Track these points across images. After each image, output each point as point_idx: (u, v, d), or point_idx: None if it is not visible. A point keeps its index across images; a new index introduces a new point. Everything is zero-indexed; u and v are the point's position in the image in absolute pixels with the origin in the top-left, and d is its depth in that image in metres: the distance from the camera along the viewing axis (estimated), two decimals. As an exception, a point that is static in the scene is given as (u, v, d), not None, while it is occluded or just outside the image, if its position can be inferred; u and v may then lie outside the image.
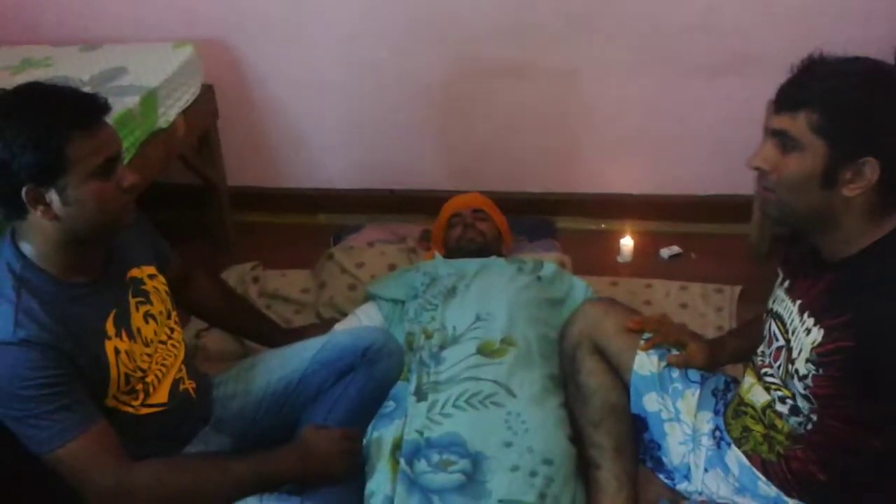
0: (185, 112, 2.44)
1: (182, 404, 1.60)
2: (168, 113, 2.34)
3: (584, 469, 1.66)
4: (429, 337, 1.91)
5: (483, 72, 2.70)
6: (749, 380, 1.50)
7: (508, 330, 1.89)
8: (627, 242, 2.67)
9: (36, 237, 1.38)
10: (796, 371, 1.33)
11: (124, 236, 1.53)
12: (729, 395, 1.62)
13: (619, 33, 2.59)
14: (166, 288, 1.63)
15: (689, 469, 1.56)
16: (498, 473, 1.58)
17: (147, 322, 1.53)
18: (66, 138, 1.29)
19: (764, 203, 1.35)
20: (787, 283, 1.43)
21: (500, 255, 2.33)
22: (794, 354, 1.34)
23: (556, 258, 2.44)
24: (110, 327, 1.44)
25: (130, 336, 1.48)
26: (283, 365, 1.79)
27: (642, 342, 1.66)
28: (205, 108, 2.61)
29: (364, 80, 2.78)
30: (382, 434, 1.71)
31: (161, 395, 1.54)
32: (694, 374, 1.65)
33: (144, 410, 1.51)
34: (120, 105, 2.08)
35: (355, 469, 1.64)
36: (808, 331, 1.31)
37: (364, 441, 1.72)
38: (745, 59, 2.55)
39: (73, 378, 1.35)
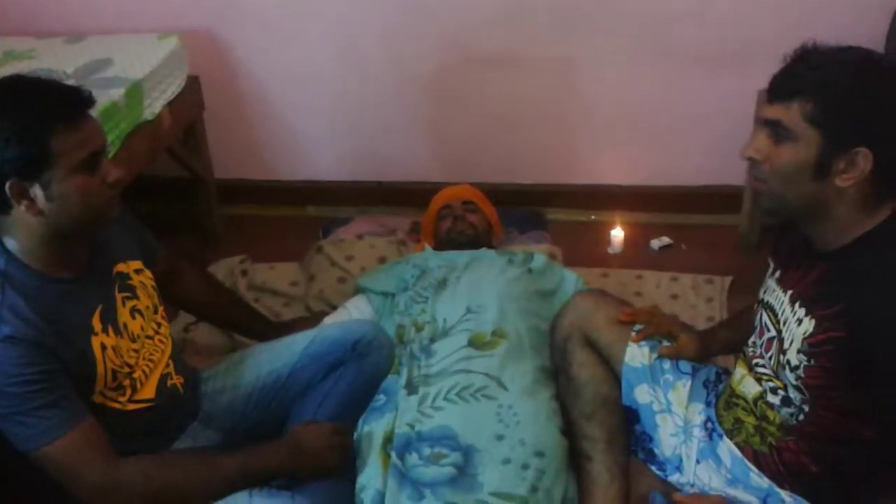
0: (171, 104, 2.42)
1: (170, 400, 1.58)
2: (153, 105, 2.32)
3: (575, 461, 1.65)
4: (419, 329, 1.90)
5: (474, 62, 2.68)
6: (740, 371, 1.50)
7: (499, 322, 1.88)
8: (618, 234, 2.67)
9: (20, 232, 1.36)
10: (788, 362, 1.33)
11: (110, 231, 1.51)
12: (720, 387, 1.62)
13: (611, 24, 2.58)
14: (153, 283, 1.62)
15: (680, 461, 1.56)
16: (489, 466, 1.58)
17: (134, 317, 1.51)
18: (50, 132, 1.28)
19: (756, 194, 1.34)
20: (777, 274, 1.43)
21: (490, 246, 2.32)
22: (786, 345, 1.34)
23: (546, 250, 2.44)
24: (97, 323, 1.42)
25: (117, 331, 1.46)
26: (272, 359, 1.78)
27: (633, 334, 1.65)
28: (191, 99, 2.58)
29: (353, 70, 2.76)
30: (373, 428, 1.70)
31: (148, 391, 1.53)
32: (685, 366, 1.65)
33: (132, 406, 1.49)
34: (105, 97, 2.06)
35: (346, 463, 1.63)
36: (800, 321, 1.31)
37: (355, 435, 1.71)
38: (737, 51, 2.55)
39: (59, 374, 1.34)
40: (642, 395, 1.62)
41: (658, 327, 1.67)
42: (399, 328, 1.98)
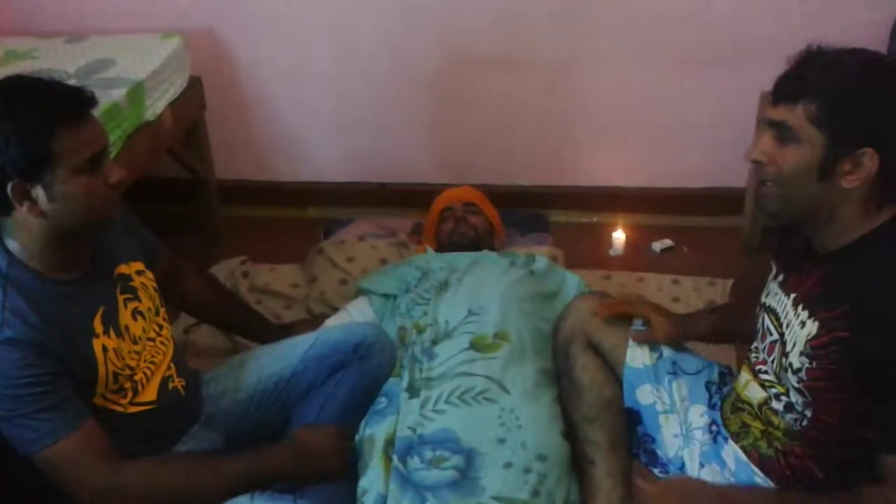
0: (173, 104, 2.42)
1: (171, 402, 1.58)
2: (155, 105, 2.31)
3: (577, 465, 1.65)
4: (421, 331, 1.90)
5: (475, 63, 2.68)
6: (745, 376, 1.49)
7: (501, 324, 1.88)
8: (619, 236, 2.67)
9: (21, 234, 1.36)
10: (790, 364, 1.33)
11: (111, 232, 1.50)
12: (724, 389, 1.61)
13: (611, 26, 2.58)
14: (154, 284, 1.61)
15: (682, 463, 1.55)
16: (491, 470, 1.58)
17: (135, 319, 1.51)
18: (52, 133, 1.27)
19: (761, 197, 1.34)
20: (780, 277, 1.42)
21: (492, 248, 2.32)
22: (788, 348, 1.34)
23: (548, 252, 2.44)
24: (98, 325, 1.41)
25: (118, 333, 1.45)
26: (273, 361, 1.77)
27: (632, 332, 1.65)
28: (192, 100, 2.58)
29: (355, 71, 2.75)
30: (375, 431, 1.70)
31: (150, 394, 1.52)
32: (688, 366, 1.64)
33: (133, 409, 1.49)
34: (106, 98, 2.05)
35: (348, 467, 1.63)
36: (803, 324, 1.31)
37: (356, 438, 1.71)
38: (738, 52, 2.54)
39: (60, 377, 1.33)
40: (645, 396, 1.62)
41: (630, 307, 1.67)
42: (401, 330, 1.97)
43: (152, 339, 1.55)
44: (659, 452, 1.61)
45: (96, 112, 1.38)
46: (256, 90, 2.83)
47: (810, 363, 1.29)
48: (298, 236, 2.78)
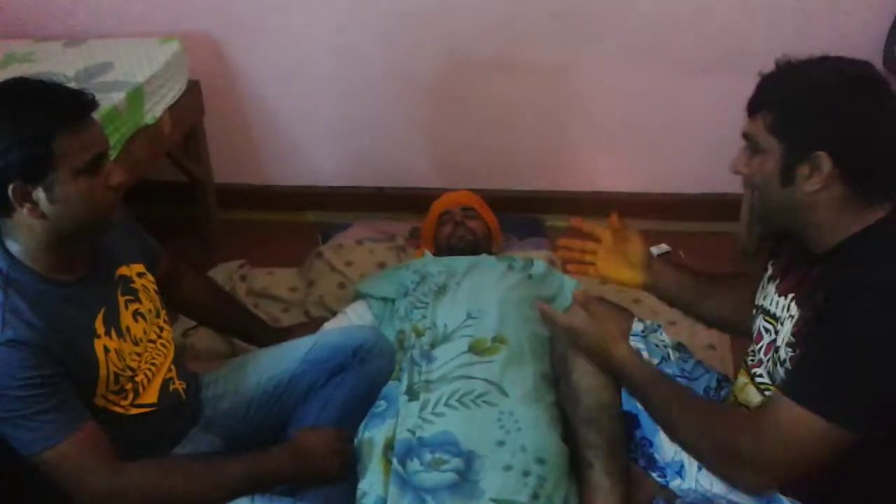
0: (172, 108, 2.42)
1: (172, 404, 1.58)
2: (154, 109, 2.31)
3: (576, 468, 1.65)
4: (420, 335, 1.90)
5: (473, 68, 2.69)
6: (742, 380, 1.50)
7: (500, 328, 1.88)
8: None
9: (22, 236, 1.36)
10: (779, 358, 1.35)
11: (112, 234, 1.51)
12: (722, 393, 1.62)
13: (610, 30, 2.59)
14: (155, 286, 1.62)
15: (681, 466, 1.55)
16: (491, 472, 1.58)
17: (136, 320, 1.51)
18: (53, 135, 1.28)
19: (752, 209, 1.40)
20: (777, 279, 1.44)
21: (490, 253, 2.33)
22: (779, 342, 1.36)
23: (545, 256, 2.44)
24: (99, 325, 1.42)
25: (119, 334, 1.46)
26: (273, 364, 1.78)
27: (633, 338, 1.65)
28: (191, 104, 2.58)
29: (353, 76, 2.76)
30: (374, 434, 1.70)
31: (151, 396, 1.53)
32: (689, 371, 1.65)
33: (134, 411, 1.49)
34: (106, 101, 2.05)
35: (347, 469, 1.63)
36: (792, 317, 1.34)
37: (355, 441, 1.71)
38: (737, 58, 2.55)
39: (61, 378, 1.33)
40: (643, 399, 1.62)
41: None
42: (399, 334, 1.97)
43: (153, 341, 1.56)
44: (657, 456, 1.61)
45: (96, 115, 1.38)
46: (255, 94, 2.84)
47: (794, 352, 1.31)
48: (296, 240, 2.78)
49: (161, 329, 1.60)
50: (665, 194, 2.85)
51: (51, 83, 1.35)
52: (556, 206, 2.88)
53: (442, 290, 2.03)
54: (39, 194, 1.30)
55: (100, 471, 1.37)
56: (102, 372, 1.41)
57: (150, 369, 1.53)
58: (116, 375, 1.44)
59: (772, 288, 1.44)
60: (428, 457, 1.60)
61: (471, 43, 2.66)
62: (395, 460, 1.61)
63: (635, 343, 1.66)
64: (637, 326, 1.73)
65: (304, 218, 3.01)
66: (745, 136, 1.34)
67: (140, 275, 1.58)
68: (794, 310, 1.34)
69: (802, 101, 1.27)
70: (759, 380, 1.44)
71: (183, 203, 2.78)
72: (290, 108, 2.86)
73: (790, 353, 1.32)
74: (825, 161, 1.24)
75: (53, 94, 1.33)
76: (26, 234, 1.35)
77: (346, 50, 2.72)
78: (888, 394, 1.19)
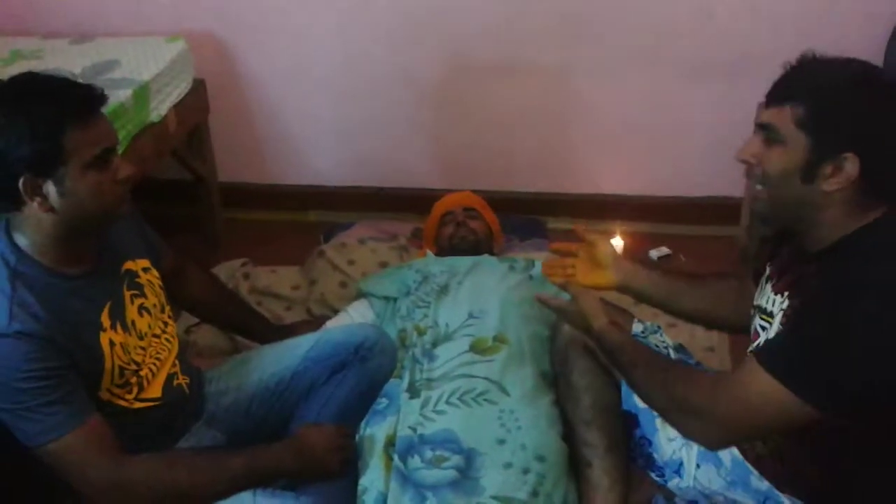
0: (177, 106, 2.44)
1: (176, 399, 1.59)
2: (160, 107, 2.33)
3: (575, 467, 1.67)
4: (421, 334, 1.92)
5: (476, 69, 2.70)
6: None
7: (501, 328, 1.90)
8: (617, 243, 2.68)
9: (30, 229, 1.37)
10: None
11: (118, 229, 1.52)
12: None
13: (611, 34, 2.60)
14: (160, 282, 1.63)
15: (679, 465, 1.57)
16: (491, 470, 1.59)
17: (141, 315, 1.52)
18: (63, 129, 1.29)
19: (752, 199, 1.38)
20: (774, 279, 1.45)
21: (491, 253, 2.34)
22: (771, 335, 1.37)
23: (546, 257, 2.45)
24: (105, 319, 1.43)
25: (125, 328, 1.47)
26: (275, 361, 1.79)
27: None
28: (196, 102, 2.60)
29: (356, 76, 2.77)
30: (375, 430, 1.71)
31: (155, 390, 1.54)
32: None
33: (138, 405, 1.50)
34: (112, 98, 2.04)
35: (349, 465, 1.64)
36: (783, 310, 1.35)
37: (356, 437, 1.72)
38: (738, 62, 2.57)
39: (67, 371, 1.35)
40: (642, 399, 1.64)
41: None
42: (401, 332, 1.99)
43: (157, 336, 1.57)
44: (655, 455, 1.62)
45: (104, 110, 1.39)
46: (259, 94, 2.85)
47: None
48: (299, 240, 2.79)
49: (166, 324, 1.61)
50: (666, 197, 2.86)
51: (60, 78, 1.37)
52: (557, 208, 2.89)
53: (444, 290, 2.04)
54: (49, 188, 1.32)
55: (104, 463, 1.37)
56: (107, 365, 1.42)
57: (154, 364, 1.54)
58: (121, 369, 1.45)
59: (769, 287, 1.45)
60: (429, 454, 1.62)
61: (473, 45, 2.67)
62: (396, 457, 1.63)
63: None
64: (637, 328, 1.74)
65: (306, 217, 3.02)
66: (764, 125, 1.30)
67: (145, 270, 1.59)
68: (787, 304, 1.35)
69: (837, 99, 1.24)
70: None
71: (187, 201, 2.79)
72: (294, 108, 2.87)
73: None
74: (853, 163, 1.23)
75: (63, 89, 1.34)
76: (35, 228, 1.37)
77: (349, 50, 2.73)
78: (861, 382, 1.20)
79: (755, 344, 1.45)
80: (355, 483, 1.64)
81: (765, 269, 1.50)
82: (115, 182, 1.38)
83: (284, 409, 1.75)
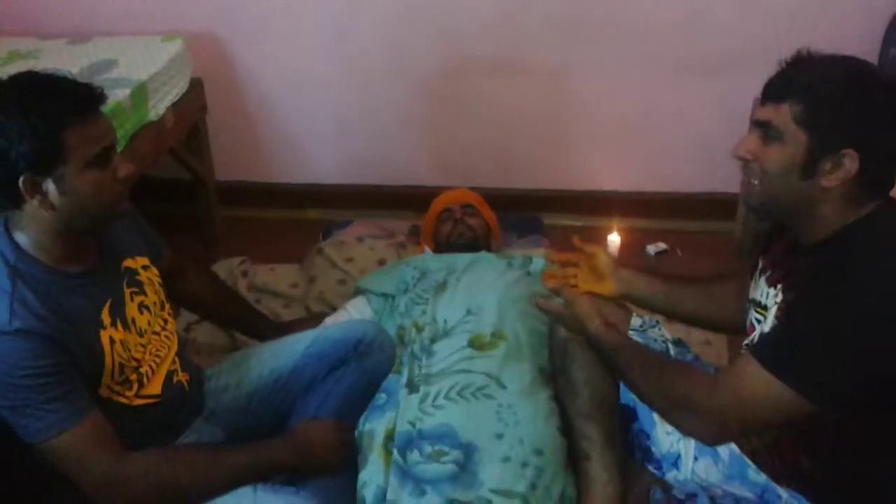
0: (175, 105, 2.44)
1: (175, 396, 1.60)
2: (158, 106, 2.34)
3: (573, 461, 1.67)
4: (420, 330, 1.92)
5: (473, 68, 2.71)
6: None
7: (499, 324, 1.90)
8: (614, 239, 2.69)
9: (30, 227, 1.38)
10: None
11: (118, 227, 1.53)
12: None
13: (608, 32, 2.61)
14: (159, 279, 1.64)
15: (677, 458, 1.57)
16: (489, 464, 1.60)
17: (141, 312, 1.53)
18: (63, 127, 1.30)
19: (746, 194, 1.39)
20: (768, 272, 1.46)
21: (489, 250, 2.35)
22: (766, 328, 1.39)
23: (544, 254, 2.45)
24: (106, 317, 1.44)
25: (125, 326, 1.48)
26: (274, 358, 1.80)
27: (631, 332, 1.68)
28: (194, 101, 2.61)
29: (354, 74, 2.78)
30: (374, 426, 1.72)
31: (155, 387, 1.54)
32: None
33: (138, 402, 1.51)
34: (110, 98, 2.04)
35: (348, 460, 1.65)
36: (777, 304, 1.37)
37: (356, 432, 1.73)
38: (733, 59, 2.58)
39: (68, 368, 1.35)
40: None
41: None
42: (400, 329, 1.99)
43: (157, 333, 1.58)
44: (653, 449, 1.63)
45: (103, 109, 1.40)
46: (256, 92, 2.86)
47: None
48: (297, 238, 2.80)
49: (165, 321, 1.62)
50: (662, 193, 2.87)
51: (60, 77, 1.37)
52: (555, 205, 2.91)
53: (442, 287, 2.05)
54: (49, 186, 1.32)
55: (104, 460, 1.38)
56: (108, 362, 1.42)
57: (154, 361, 1.55)
58: (121, 366, 1.45)
59: (763, 280, 1.46)
60: (428, 448, 1.62)
61: (471, 43, 2.68)
62: (395, 452, 1.63)
63: (635, 338, 1.68)
64: (635, 322, 1.75)
65: (305, 215, 3.03)
66: (762, 122, 1.31)
67: (145, 268, 1.60)
68: (781, 297, 1.36)
69: (837, 97, 1.25)
70: None
71: (185, 200, 2.80)
72: (292, 107, 2.88)
73: None
74: (852, 159, 1.24)
75: (63, 88, 1.35)
76: (35, 226, 1.37)
77: (347, 49, 2.74)
78: (855, 375, 1.21)
79: (751, 338, 1.47)
80: (355, 478, 1.65)
81: (758, 263, 1.51)
82: (114, 180, 1.39)
83: (284, 406, 1.76)
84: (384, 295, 2.17)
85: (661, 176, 2.85)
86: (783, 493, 1.43)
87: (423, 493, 1.56)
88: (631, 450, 1.67)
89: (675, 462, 1.57)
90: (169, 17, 2.71)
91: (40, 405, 1.33)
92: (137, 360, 1.50)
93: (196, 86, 2.61)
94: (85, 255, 1.45)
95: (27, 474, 1.45)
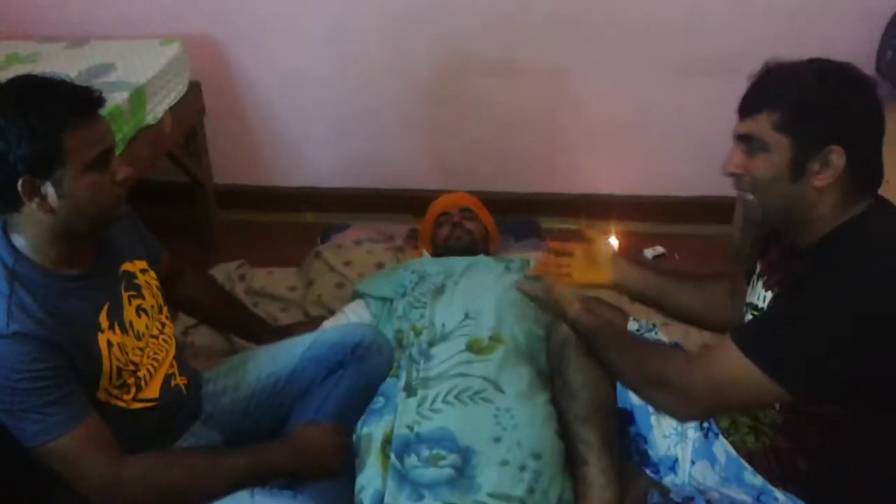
0: (173, 109, 2.44)
1: (173, 400, 1.60)
2: (156, 110, 2.34)
3: (571, 464, 1.67)
4: (418, 334, 1.92)
5: (471, 71, 2.72)
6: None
7: (497, 327, 1.90)
8: (612, 242, 2.70)
9: (29, 230, 1.38)
10: None
11: (116, 230, 1.53)
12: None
13: (607, 34, 2.62)
14: (157, 283, 1.64)
15: (674, 461, 1.58)
16: (487, 468, 1.60)
17: (139, 316, 1.53)
18: (62, 131, 1.30)
19: (746, 207, 1.41)
20: (765, 276, 1.47)
21: (487, 254, 2.35)
22: None
23: (542, 257, 2.46)
24: (103, 320, 1.44)
25: (123, 329, 1.48)
26: (272, 361, 1.80)
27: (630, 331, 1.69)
28: (192, 105, 2.61)
29: (352, 78, 2.79)
30: (372, 429, 1.72)
31: (153, 391, 1.54)
32: None
33: (136, 405, 1.51)
34: (108, 101, 2.05)
35: (346, 463, 1.65)
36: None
37: (354, 436, 1.73)
38: (730, 63, 2.57)
39: (66, 371, 1.35)
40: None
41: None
42: (398, 333, 1.99)
43: (155, 337, 1.57)
44: (650, 453, 1.63)
45: (102, 112, 1.40)
46: (254, 95, 2.86)
47: None
48: (295, 241, 2.80)
49: (163, 325, 1.62)
50: (660, 197, 2.88)
51: (59, 80, 1.37)
52: (553, 209, 2.91)
53: (440, 290, 2.05)
54: (48, 189, 1.32)
55: (102, 463, 1.38)
56: (105, 366, 1.42)
57: (152, 364, 1.55)
58: (119, 370, 1.45)
59: (760, 284, 1.47)
60: (425, 452, 1.62)
61: (469, 46, 2.68)
62: (392, 455, 1.63)
63: None
64: (632, 325, 1.75)
65: (303, 219, 3.03)
66: (743, 136, 1.35)
67: (143, 271, 1.60)
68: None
69: (811, 97, 1.29)
70: None
71: (183, 203, 2.80)
72: (290, 110, 2.88)
73: None
74: (838, 155, 1.27)
75: (62, 91, 1.35)
76: (33, 229, 1.37)
77: (345, 52, 2.74)
78: (825, 367, 1.23)
79: None
80: (352, 481, 1.65)
81: (755, 267, 1.52)
82: (113, 183, 1.39)
83: (282, 409, 1.76)
84: (382, 298, 2.17)
85: (659, 179, 2.86)
86: (780, 495, 1.43)
87: (420, 497, 1.56)
88: (628, 453, 1.68)
89: (673, 465, 1.57)
90: (167, 20, 2.71)
91: (38, 409, 1.33)
92: (135, 364, 1.50)
93: (194, 89, 2.62)
94: (83, 258, 1.45)
95: (27, 475, 1.45)
